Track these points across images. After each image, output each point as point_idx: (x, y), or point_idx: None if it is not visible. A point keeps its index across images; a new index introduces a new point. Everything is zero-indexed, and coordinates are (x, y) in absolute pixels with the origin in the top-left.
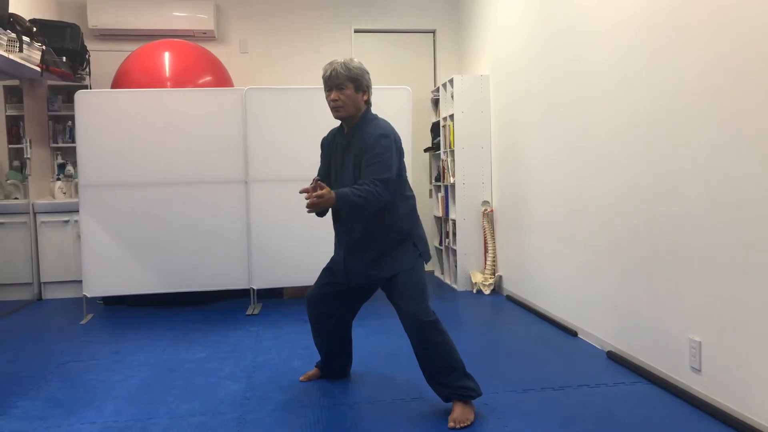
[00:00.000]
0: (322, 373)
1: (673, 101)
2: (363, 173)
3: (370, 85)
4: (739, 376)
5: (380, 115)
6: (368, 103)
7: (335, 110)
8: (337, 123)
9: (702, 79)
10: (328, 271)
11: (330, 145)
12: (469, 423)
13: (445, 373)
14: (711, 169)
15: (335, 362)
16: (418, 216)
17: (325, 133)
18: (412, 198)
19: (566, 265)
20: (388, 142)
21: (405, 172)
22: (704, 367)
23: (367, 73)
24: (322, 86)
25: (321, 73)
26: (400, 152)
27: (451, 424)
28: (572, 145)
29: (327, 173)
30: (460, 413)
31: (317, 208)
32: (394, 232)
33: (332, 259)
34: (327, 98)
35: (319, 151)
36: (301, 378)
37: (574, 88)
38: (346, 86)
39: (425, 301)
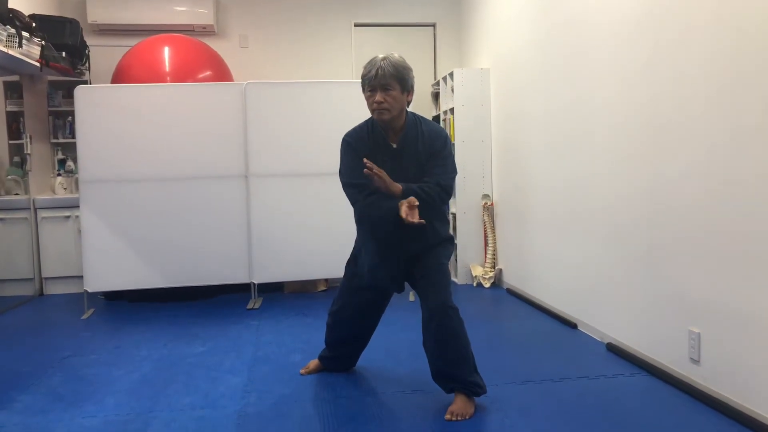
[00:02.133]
0: (326, 366)
1: (674, 94)
2: (429, 174)
3: (413, 84)
4: (738, 368)
5: None
6: (409, 104)
7: (379, 113)
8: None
9: (702, 70)
10: (354, 282)
11: (364, 148)
12: (468, 417)
13: (458, 365)
14: (710, 161)
15: (348, 358)
16: None
17: (324, 128)
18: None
19: (566, 257)
20: (451, 147)
21: None
22: (703, 359)
23: (411, 70)
24: (324, 81)
25: (321, 67)
26: None
27: (448, 416)
28: (573, 138)
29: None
30: (460, 406)
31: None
32: (441, 232)
33: (367, 264)
34: (368, 99)
35: (321, 145)
36: (302, 371)
37: (575, 81)
38: (393, 87)
39: (450, 288)
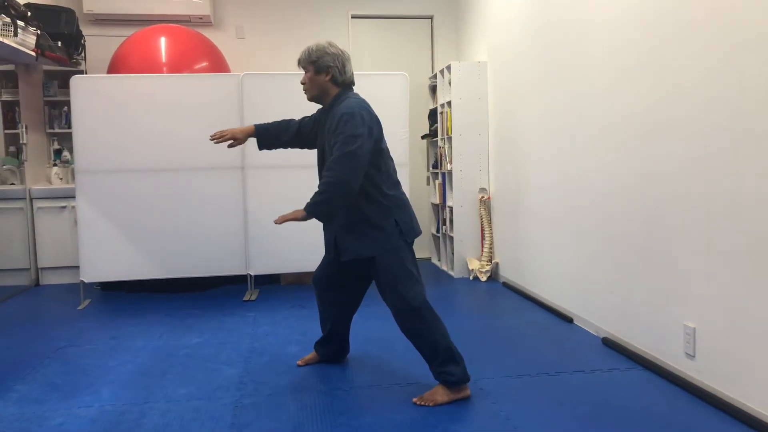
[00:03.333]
0: (320, 355)
1: (671, 89)
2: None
3: (335, 65)
4: (732, 362)
5: (377, 102)
6: (339, 83)
7: (305, 92)
8: None
9: (699, 65)
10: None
11: (317, 122)
12: (431, 404)
13: (427, 359)
14: (706, 157)
15: (335, 342)
16: (400, 212)
17: None
18: (394, 198)
19: (562, 252)
20: (351, 121)
21: (386, 162)
22: (698, 353)
23: (330, 54)
24: None
25: None
26: (371, 130)
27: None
28: (570, 132)
29: (295, 133)
30: (431, 393)
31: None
32: (367, 218)
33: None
34: None
35: None
36: (299, 362)
37: (573, 74)
38: (307, 69)
39: (409, 286)
